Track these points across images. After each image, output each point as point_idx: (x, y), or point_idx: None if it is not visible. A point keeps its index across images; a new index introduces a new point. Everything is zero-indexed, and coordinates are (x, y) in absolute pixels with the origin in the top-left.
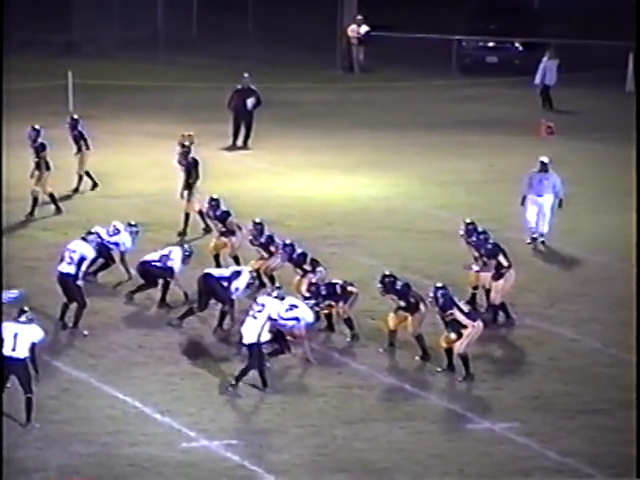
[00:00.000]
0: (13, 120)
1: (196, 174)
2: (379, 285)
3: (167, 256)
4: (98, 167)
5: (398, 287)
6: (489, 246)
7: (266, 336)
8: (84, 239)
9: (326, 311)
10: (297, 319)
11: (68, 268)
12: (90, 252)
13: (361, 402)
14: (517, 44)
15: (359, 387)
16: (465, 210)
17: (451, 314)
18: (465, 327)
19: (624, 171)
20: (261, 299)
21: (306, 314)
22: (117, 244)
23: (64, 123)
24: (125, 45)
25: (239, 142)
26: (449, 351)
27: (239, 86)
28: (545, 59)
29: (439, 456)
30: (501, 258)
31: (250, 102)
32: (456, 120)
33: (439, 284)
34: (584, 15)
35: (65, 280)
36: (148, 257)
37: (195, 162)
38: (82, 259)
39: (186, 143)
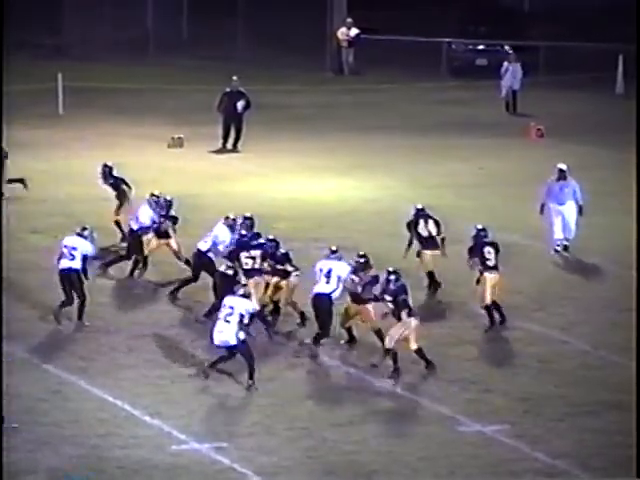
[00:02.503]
0: (5, 121)
1: (124, 192)
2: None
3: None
4: (88, 169)
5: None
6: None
7: (243, 335)
8: (80, 235)
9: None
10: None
11: (70, 263)
12: (90, 248)
13: (351, 405)
14: (506, 47)
15: (348, 390)
16: (455, 212)
17: (404, 300)
18: (400, 319)
19: (612, 173)
20: (229, 301)
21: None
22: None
23: (54, 127)
24: (115, 47)
25: (229, 145)
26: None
27: (228, 89)
28: (507, 64)
29: (429, 459)
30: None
31: (240, 105)
32: (446, 122)
33: (391, 268)
34: (573, 18)
35: (68, 275)
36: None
37: (120, 181)
38: (85, 256)
39: (108, 163)
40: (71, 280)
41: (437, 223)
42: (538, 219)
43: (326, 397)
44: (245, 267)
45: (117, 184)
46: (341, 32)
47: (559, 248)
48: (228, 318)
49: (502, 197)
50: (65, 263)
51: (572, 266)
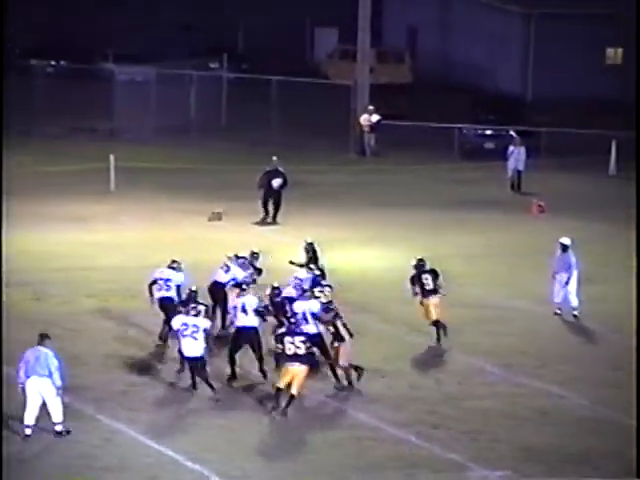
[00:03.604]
0: (59, 198)
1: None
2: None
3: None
4: (136, 241)
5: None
6: None
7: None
8: (172, 267)
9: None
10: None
11: (167, 293)
12: (181, 278)
13: (372, 452)
14: (512, 132)
15: (370, 439)
16: (465, 280)
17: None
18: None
19: (605, 246)
20: (191, 320)
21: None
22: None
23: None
24: (161, 131)
25: (269, 218)
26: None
27: (268, 168)
28: (512, 147)
29: None
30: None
31: (276, 182)
32: (457, 200)
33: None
34: (571, 107)
35: (166, 304)
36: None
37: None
38: (178, 286)
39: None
40: (168, 307)
41: (435, 273)
42: (540, 286)
43: (352, 445)
44: (288, 352)
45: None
46: (364, 118)
47: (559, 312)
48: (195, 335)
49: (507, 266)
50: (162, 293)
51: (571, 329)
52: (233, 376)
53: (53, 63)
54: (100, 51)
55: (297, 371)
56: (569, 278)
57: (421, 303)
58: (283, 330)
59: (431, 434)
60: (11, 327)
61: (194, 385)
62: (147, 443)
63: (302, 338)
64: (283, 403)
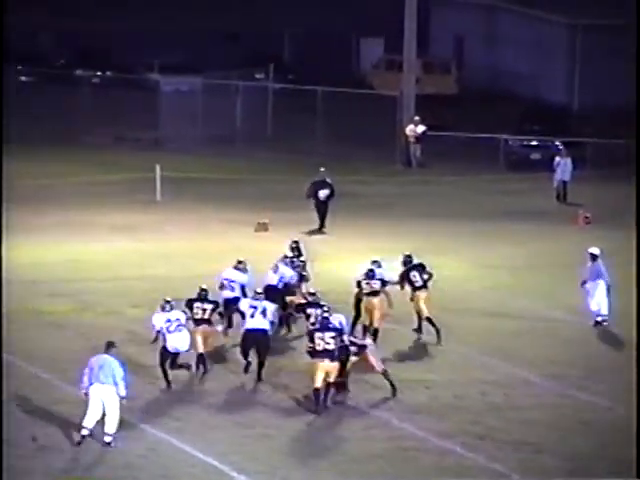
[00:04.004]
0: (105, 208)
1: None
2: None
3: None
4: (181, 250)
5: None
6: None
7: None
8: (236, 268)
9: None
10: None
11: (232, 294)
12: (245, 279)
13: (417, 463)
14: (558, 143)
15: (415, 449)
16: (510, 290)
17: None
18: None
19: None
20: (173, 315)
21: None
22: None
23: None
24: (206, 141)
25: (323, 228)
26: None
27: (316, 178)
28: (558, 159)
29: None
30: None
31: (323, 193)
32: (503, 211)
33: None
34: (617, 117)
35: (229, 304)
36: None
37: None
38: (243, 287)
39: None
40: (231, 306)
41: (423, 267)
42: (584, 298)
43: (397, 456)
44: (317, 348)
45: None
46: (409, 129)
47: (599, 319)
48: (180, 328)
49: (552, 277)
50: (227, 294)
51: (613, 340)
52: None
53: (99, 73)
54: (145, 61)
55: (328, 367)
56: (598, 287)
57: (411, 299)
58: (315, 326)
59: (476, 444)
60: (57, 337)
61: (170, 370)
62: (192, 453)
63: (332, 334)
64: (324, 402)
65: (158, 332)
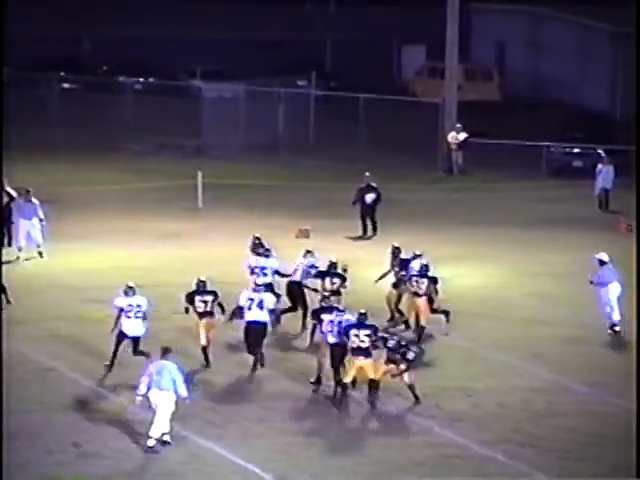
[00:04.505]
0: (148, 214)
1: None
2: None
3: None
4: (224, 256)
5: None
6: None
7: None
8: (266, 255)
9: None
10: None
11: (265, 279)
12: (276, 264)
13: (458, 471)
14: (600, 150)
15: (456, 457)
16: (550, 298)
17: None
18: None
19: None
20: (135, 301)
21: None
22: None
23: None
24: (248, 148)
25: (366, 235)
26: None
27: (362, 184)
28: (600, 166)
29: None
30: None
31: (369, 198)
32: (544, 218)
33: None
34: None
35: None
36: None
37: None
38: (275, 271)
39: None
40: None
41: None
42: (624, 306)
43: (439, 463)
44: (352, 345)
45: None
46: (451, 136)
47: (616, 328)
48: (138, 315)
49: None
50: (260, 280)
51: None
52: (254, 367)
53: (141, 80)
54: (188, 68)
55: (362, 365)
56: (610, 293)
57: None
58: (352, 322)
59: (517, 452)
60: (100, 343)
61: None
62: (234, 460)
63: (368, 332)
64: (346, 398)
65: (119, 317)
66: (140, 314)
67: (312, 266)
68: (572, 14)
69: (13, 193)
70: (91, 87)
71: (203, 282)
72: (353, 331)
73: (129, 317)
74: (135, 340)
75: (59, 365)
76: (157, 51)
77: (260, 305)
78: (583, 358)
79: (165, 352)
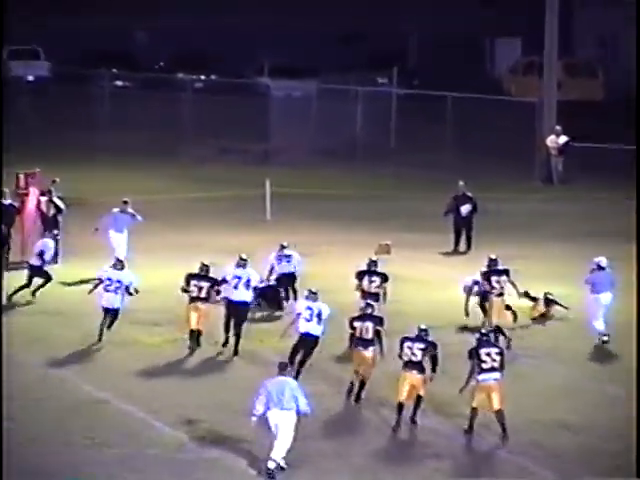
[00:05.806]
0: (208, 228)
1: None
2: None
3: None
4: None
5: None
6: None
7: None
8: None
9: None
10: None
11: (289, 268)
12: (299, 256)
13: (487, 477)
14: None
15: (486, 463)
16: None
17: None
18: None
19: None
20: (116, 275)
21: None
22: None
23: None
24: (321, 154)
25: (461, 247)
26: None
27: (456, 193)
28: None
29: None
30: None
31: (465, 209)
32: None
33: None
34: None
35: (284, 278)
36: None
37: None
38: (299, 262)
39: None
40: (286, 280)
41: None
42: (624, 305)
43: (463, 471)
44: (404, 358)
45: None
46: (550, 140)
47: (605, 338)
48: (117, 290)
49: None
50: (284, 268)
51: None
52: (226, 342)
53: (202, 77)
54: (254, 63)
55: (414, 380)
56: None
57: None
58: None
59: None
60: (154, 372)
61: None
62: None
63: (422, 345)
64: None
65: (96, 286)
66: (118, 290)
67: (285, 256)
68: None
69: (61, 205)
70: (146, 85)
71: (206, 267)
72: (407, 344)
73: (108, 290)
74: (112, 314)
75: (110, 396)
76: (219, 45)
77: (247, 284)
78: None
79: (283, 368)
